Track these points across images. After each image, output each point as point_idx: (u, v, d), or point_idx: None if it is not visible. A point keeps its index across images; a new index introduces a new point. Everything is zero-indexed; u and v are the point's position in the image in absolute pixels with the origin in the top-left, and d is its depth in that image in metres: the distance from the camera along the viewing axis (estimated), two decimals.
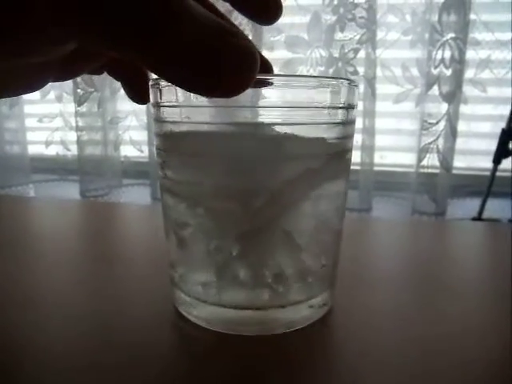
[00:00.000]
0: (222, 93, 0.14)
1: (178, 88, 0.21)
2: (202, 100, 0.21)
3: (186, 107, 0.22)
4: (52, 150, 1.27)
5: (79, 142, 1.16)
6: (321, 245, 0.25)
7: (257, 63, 0.13)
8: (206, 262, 0.24)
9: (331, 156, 0.23)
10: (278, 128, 0.21)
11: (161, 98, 0.22)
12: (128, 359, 0.22)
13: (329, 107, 0.22)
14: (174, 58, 0.13)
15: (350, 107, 0.23)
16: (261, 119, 0.21)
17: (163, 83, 0.22)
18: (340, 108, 0.22)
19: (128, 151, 1.22)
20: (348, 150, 0.24)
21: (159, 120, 0.23)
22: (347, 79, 0.22)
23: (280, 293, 0.24)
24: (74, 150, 1.21)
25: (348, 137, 0.24)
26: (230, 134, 0.22)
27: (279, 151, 0.21)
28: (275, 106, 0.21)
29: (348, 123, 0.23)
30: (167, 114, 0.23)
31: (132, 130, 1.19)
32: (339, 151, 0.24)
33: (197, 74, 0.13)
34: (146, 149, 1.17)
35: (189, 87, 0.14)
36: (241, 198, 0.22)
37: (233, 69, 0.13)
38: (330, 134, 0.23)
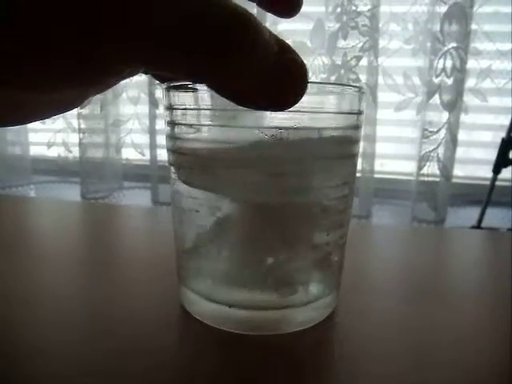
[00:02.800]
0: (284, 109, 0.15)
1: (194, 92, 0.22)
2: (218, 103, 0.21)
3: (205, 110, 0.22)
4: (54, 152, 1.27)
5: (81, 144, 1.17)
6: (329, 247, 0.25)
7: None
8: (217, 262, 0.24)
9: (342, 158, 0.24)
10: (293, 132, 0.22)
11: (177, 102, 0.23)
12: (133, 353, 0.22)
13: (339, 112, 0.22)
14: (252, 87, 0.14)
15: (358, 113, 0.23)
16: (274, 124, 0.21)
17: (177, 87, 0.22)
18: (349, 113, 0.23)
19: (129, 154, 1.22)
20: (355, 155, 0.25)
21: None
22: (356, 86, 0.23)
23: (287, 294, 0.24)
24: (75, 151, 1.22)
25: (357, 141, 0.24)
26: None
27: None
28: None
29: (357, 128, 0.24)
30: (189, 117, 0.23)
31: (134, 133, 1.19)
32: (348, 155, 0.24)
33: (273, 99, 0.14)
34: (147, 152, 1.17)
35: (260, 108, 0.15)
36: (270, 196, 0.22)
37: (300, 86, 0.14)
38: (339, 137, 0.23)
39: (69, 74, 0.13)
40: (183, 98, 0.23)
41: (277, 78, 0.14)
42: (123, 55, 0.13)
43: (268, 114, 0.21)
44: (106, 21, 0.12)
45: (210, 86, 0.14)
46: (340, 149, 0.24)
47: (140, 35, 0.12)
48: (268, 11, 0.21)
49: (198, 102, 0.22)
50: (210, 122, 0.22)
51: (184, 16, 0.12)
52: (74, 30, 0.12)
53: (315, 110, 0.21)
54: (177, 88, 0.23)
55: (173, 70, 0.13)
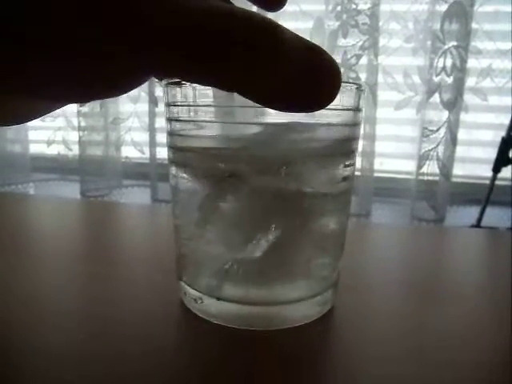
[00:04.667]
0: (319, 108, 0.14)
1: (194, 88, 0.22)
2: (218, 100, 0.21)
3: (204, 107, 0.22)
4: (53, 150, 1.27)
5: (81, 142, 1.17)
6: (328, 243, 0.25)
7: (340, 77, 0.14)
8: (216, 257, 0.24)
9: (340, 155, 0.24)
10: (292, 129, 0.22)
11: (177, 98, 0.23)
12: (134, 352, 0.22)
13: (338, 109, 0.23)
14: (281, 90, 0.13)
15: (357, 110, 0.23)
16: (272, 119, 0.21)
17: (178, 83, 0.22)
18: (348, 110, 0.23)
19: (129, 152, 1.22)
20: (354, 151, 0.25)
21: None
22: (355, 83, 0.23)
23: (286, 290, 0.24)
24: (75, 149, 1.22)
25: (355, 138, 0.25)
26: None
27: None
28: None
29: (356, 125, 0.24)
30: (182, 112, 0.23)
31: (133, 131, 1.19)
32: (347, 152, 0.24)
33: (302, 99, 0.14)
34: (147, 150, 1.17)
35: (291, 110, 0.15)
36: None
37: (332, 87, 0.14)
38: (339, 134, 0.23)
39: (80, 86, 0.13)
40: (183, 95, 0.23)
41: (306, 77, 0.13)
42: (136, 64, 0.13)
43: (267, 110, 0.21)
44: (117, 30, 0.12)
45: (240, 93, 0.14)
46: (339, 145, 0.24)
47: (161, 43, 0.12)
48: (254, 3, 0.21)
49: (199, 98, 0.22)
50: (210, 119, 0.22)
51: (207, 31, 0.12)
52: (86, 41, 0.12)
53: None
54: (177, 84, 0.23)
55: (199, 80, 0.14)
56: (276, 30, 0.13)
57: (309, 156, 0.22)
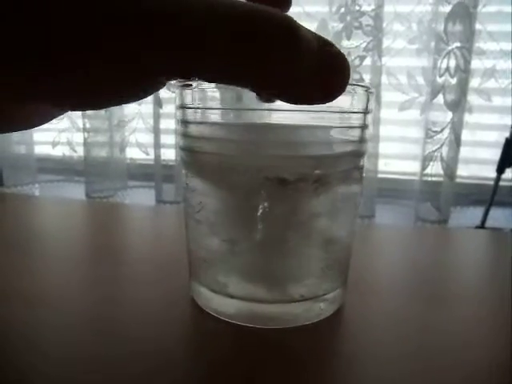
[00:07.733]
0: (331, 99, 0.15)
1: (205, 91, 0.22)
2: (227, 103, 0.22)
3: (218, 109, 0.22)
4: (58, 151, 1.27)
5: (86, 144, 1.17)
6: (338, 243, 0.25)
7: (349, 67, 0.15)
8: (226, 256, 0.24)
9: (350, 157, 0.24)
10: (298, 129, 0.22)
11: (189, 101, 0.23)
12: (146, 351, 0.23)
13: (347, 112, 0.23)
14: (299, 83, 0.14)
15: (366, 112, 0.24)
16: (285, 121, 0.22)
17: (189, 85, 0.23)
18: (358, 113, 0.23)
19: (134, 153, 1.22)
20: (363, 153, 0.25)
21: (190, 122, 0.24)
22: (364, 86, 0.23)
23: (297, 288, 0.24)
24: (80, 151, 1.22)
25: (364, 140, 0.25)
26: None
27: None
28: (297, 109, 0.22)
29: (365, 127, 0.24)
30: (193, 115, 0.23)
31: (138, 132, 1.19)
32: (356, 154, 0.25)
33: (314, 95, 0.15)
34: (151, 151, 1.17)
35: (306, 102, 0.15)
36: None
37: (343, 79, 0.15)
38: (349, 136, 0.24)
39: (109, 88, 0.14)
40: (197, 97, 0.23)
41: (321, 72, 0.14)
42: (162, 65, 0.13)
43: (280, 113, 0.21)
44: (142, 33, 0.12)
45: (256, 87, 0.14)
46: (349, 147, 0.24)
47: (185, 45, 0.12)
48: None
49: (212, 100, 0.22)
50: (222, 120, 0.23)
51: (229, 23, 0.12)
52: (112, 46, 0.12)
53: (324, 109, 0.22)
54: (191, 87, 0.23)
55: (219, 77, 0.14)
56: (294, 27, 0.13)
57: (320, 158, 0.23)
